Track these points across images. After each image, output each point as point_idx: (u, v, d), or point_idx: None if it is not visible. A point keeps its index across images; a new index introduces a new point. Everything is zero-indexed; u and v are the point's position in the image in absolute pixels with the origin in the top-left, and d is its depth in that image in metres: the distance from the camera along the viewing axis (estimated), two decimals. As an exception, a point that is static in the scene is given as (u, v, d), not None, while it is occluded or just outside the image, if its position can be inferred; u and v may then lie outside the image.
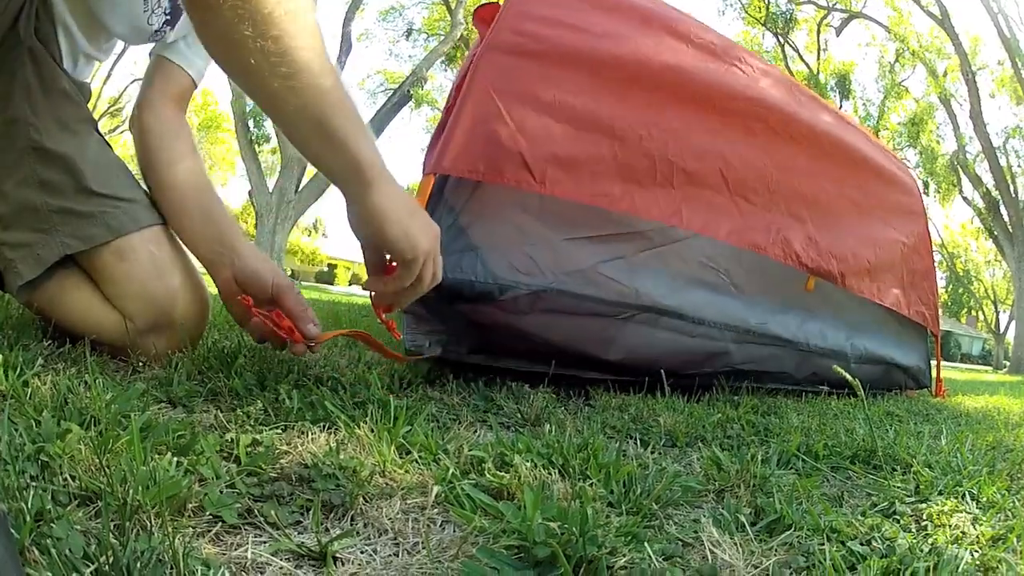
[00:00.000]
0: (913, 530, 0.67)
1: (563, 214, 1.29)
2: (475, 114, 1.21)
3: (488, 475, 0.66)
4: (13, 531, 0.39)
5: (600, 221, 1.34)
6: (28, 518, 0.42)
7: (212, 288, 1.09)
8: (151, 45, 1.15)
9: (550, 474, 0.70)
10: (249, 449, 0.66)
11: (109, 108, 20.59)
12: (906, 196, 2.17)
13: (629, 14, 1.46)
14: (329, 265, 38.17)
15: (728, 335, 1.51)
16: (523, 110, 1.24)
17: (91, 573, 0.39)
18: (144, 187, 1.09)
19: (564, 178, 1.25)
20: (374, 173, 0.85)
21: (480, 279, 1.18)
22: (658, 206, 1.37)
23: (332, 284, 29.49)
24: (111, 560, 0.39)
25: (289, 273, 18.78)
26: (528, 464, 0.69)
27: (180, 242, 1.07)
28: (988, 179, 14.81)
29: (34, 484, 0.49)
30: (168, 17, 1.09)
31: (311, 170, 12.21)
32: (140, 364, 0.99)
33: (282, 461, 0.64)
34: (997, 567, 0.58)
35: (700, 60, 1.51)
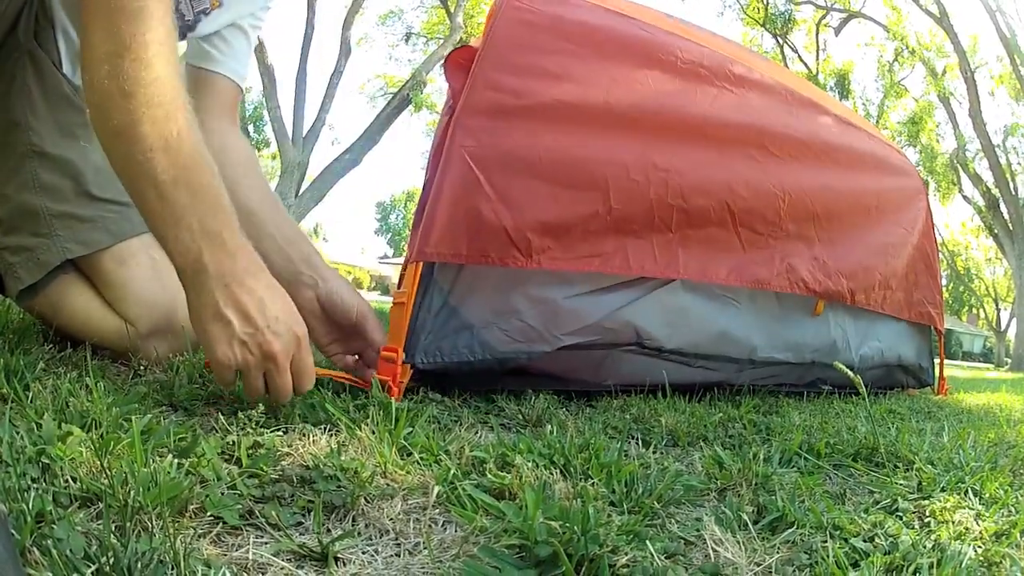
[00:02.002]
0: (916, 527, 0.67)
1: (561, 271, 1.24)
2: (454, 191, 1.14)
3: (489, 475, 0.66)
4: (14, 532, 0.39)
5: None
6: (29, 519, 0.42)
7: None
8: None
9: (551, 474, 0.70)
10: (250, 451, 0.66)
11: (109, 114, 20.59)
12: (905, 177, 2.14)
13: (610, 49, 1.35)
14: (330, 269, 38.19)
15: (731, 367, 1.50)
16: (506, 176, 1.16)
17: (92, 573, 0.39)
18: None
19: (553, 245, 1.19)
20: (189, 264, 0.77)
21: (479, 357, 1.14)
22: (653, 258, 1.31)
23: (333, 288, 29.45)
24: (112, 561, 0.39)
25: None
26: (529, 464, 0.69)
27: None
28: (988, 177, 14.80)
29: (35, 486, 0.49)
30: None
31: (311, 175, 12.21)
32: (141, 368, 0.99)
33: (283, 463, 0.64)
34: (1000, 562, 0.58)
35: (688, 89, 1.42)
